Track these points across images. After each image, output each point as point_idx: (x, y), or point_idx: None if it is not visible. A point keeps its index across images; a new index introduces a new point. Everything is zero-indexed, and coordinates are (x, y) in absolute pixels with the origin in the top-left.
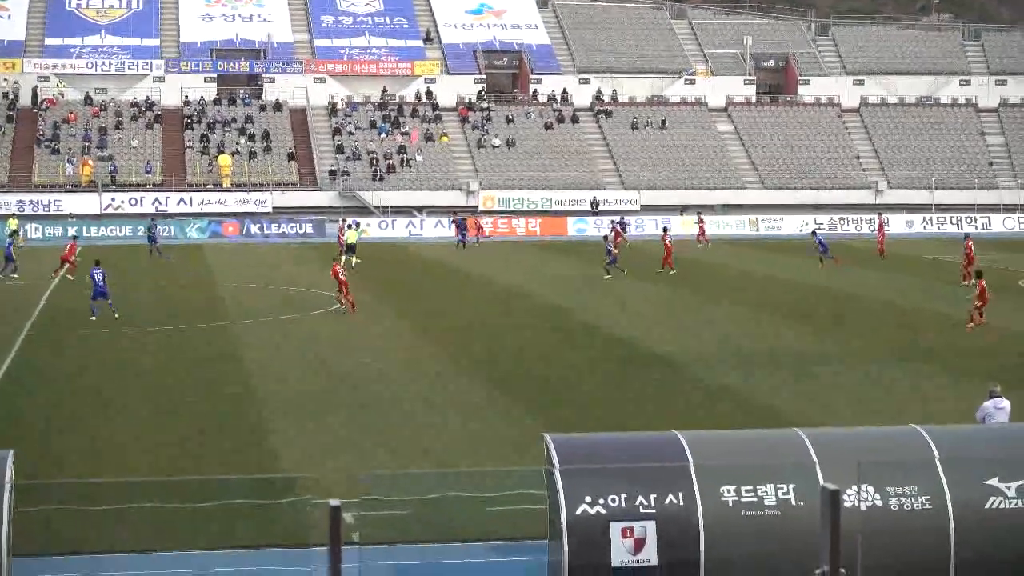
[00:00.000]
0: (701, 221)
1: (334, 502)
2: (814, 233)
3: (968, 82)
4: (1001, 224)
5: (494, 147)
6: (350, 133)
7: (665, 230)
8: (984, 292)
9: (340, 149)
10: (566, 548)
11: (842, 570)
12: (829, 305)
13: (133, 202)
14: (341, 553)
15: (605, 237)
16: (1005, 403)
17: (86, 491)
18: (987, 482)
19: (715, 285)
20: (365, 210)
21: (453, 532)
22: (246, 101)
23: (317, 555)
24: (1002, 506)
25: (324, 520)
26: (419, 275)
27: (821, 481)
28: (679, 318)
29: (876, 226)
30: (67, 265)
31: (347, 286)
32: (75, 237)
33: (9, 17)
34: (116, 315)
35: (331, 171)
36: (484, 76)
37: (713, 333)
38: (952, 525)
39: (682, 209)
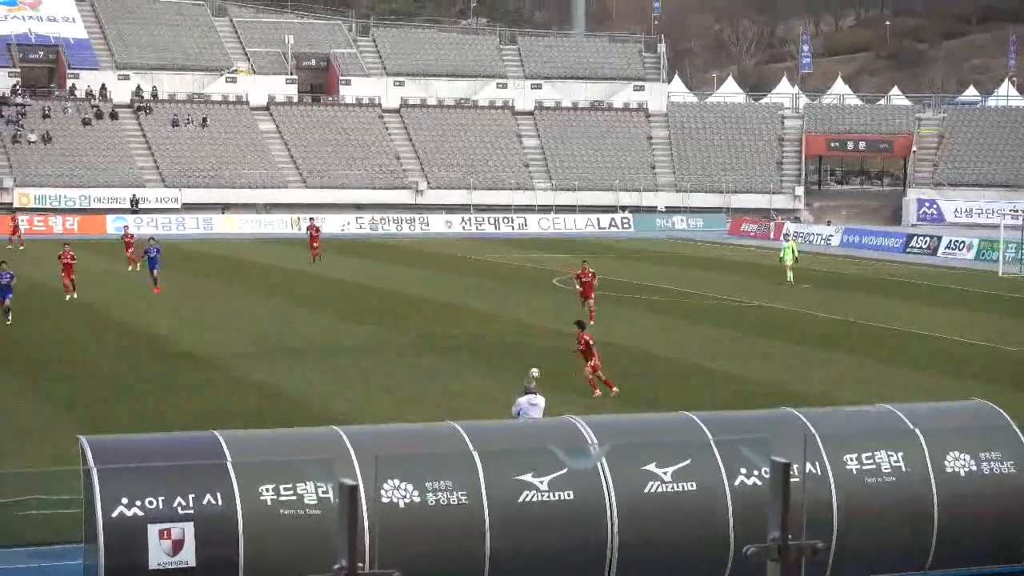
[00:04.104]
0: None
1: None
2: (150, 240)
3: (505, 85)
4: (537, 224)
5: (30, 143)
6: None
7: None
8: (590, 348)
9: None
10: (102, 551)
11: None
12: (367, 300)
13: None
14: None
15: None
16: (539, 399)
17: None
18: (519, 477)
19: (249, 281)
20: None
21: None
22: None
23: None
24: (534, 499)
25: None
26: None
27: (360, 477)
28: (215, 313)
29: (307, 230)
30: None
31: None
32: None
33: None
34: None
35: None
36: (19, 70)
37: (244, 328)
38: (487, 518)
39: (223, 207)
